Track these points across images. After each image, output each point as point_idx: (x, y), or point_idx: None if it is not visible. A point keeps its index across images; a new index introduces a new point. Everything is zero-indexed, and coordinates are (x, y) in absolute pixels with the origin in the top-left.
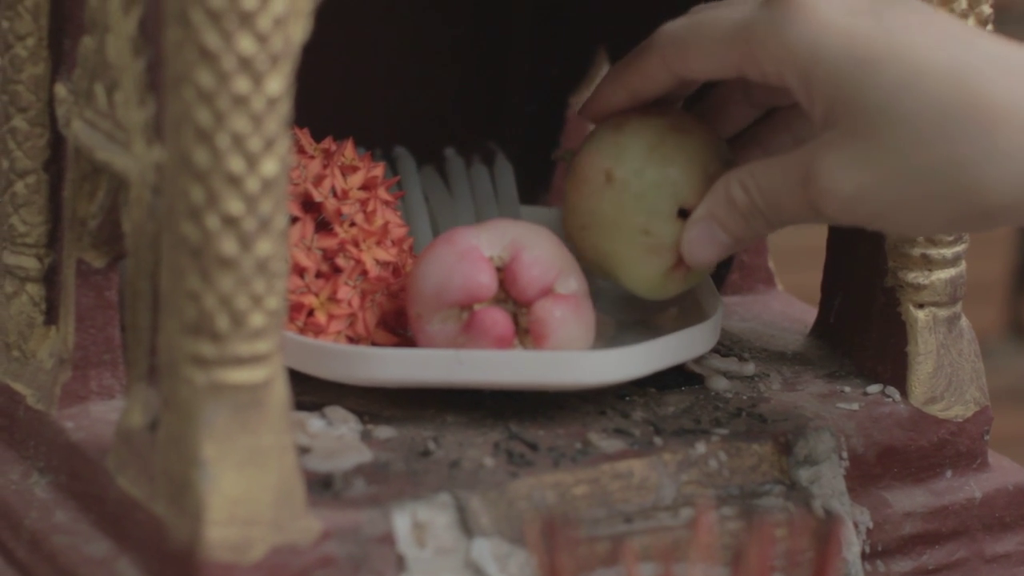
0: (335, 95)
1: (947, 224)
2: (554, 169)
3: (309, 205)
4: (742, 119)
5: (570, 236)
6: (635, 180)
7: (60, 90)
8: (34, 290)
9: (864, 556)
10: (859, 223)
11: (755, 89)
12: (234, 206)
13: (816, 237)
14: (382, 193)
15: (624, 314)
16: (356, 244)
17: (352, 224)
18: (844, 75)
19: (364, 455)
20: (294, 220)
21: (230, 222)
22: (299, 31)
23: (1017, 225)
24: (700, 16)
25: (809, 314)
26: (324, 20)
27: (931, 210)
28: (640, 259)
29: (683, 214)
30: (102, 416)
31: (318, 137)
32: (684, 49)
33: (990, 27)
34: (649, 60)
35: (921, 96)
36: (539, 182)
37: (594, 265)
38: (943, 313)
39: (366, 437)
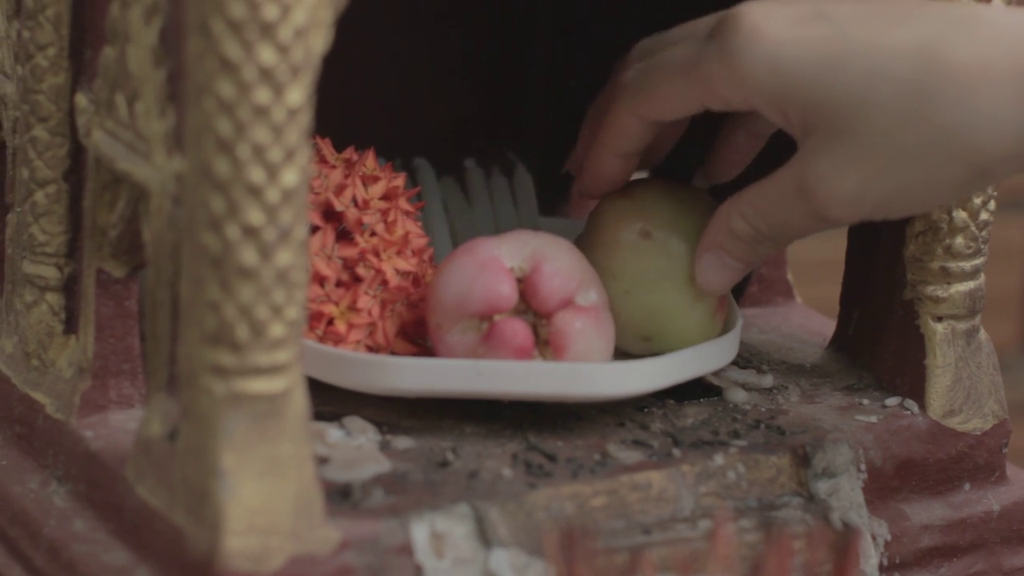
0: (356, 106)
1: (953, 191)
2: (573, 181)
3: (330, 214)
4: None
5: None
6: (672, 229)
7: (81, 100)
8: (54, 299)
9: (882, 569)
10: (867, 217)
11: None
12: (254, 216)
13: (835, 250)
14: (403, 203)
15: None
16: (376, 254)
17: (373, 234)
18: (811, 81)
19: (382, 465)
20: (315, 229)
21: (250, 232)
22: (319, 42)
23: (1017, 173)
24: (653, 61)
25: (828, 327)
26: (346, 31)
27: (935, 183)
28: (691, 306)
29: None
30: (121, 425)
31: (339, 147)
32: (647, 96)
33: None
34: (618, 116)
35: (893, 78)
36: (559, 193)
37: (640, 328)
38: (962, 326)
39: (384, 447)
